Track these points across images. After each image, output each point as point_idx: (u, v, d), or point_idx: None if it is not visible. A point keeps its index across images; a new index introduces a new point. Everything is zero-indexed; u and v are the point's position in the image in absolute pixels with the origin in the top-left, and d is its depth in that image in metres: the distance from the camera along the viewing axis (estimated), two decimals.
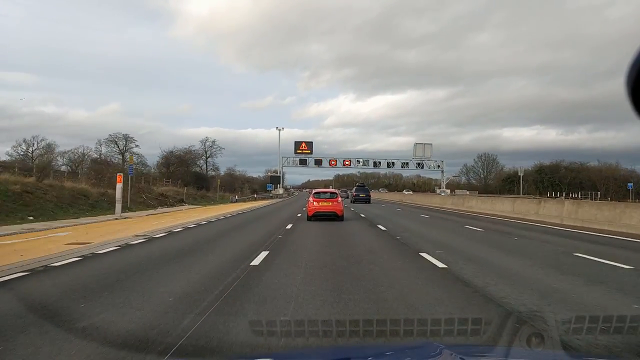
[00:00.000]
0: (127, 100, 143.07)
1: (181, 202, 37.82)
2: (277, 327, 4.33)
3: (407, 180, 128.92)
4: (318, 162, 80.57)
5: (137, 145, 65.90)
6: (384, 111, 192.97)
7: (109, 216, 21.97)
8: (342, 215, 20.09)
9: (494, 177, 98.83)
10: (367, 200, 43.95)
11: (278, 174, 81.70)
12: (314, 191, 23.18)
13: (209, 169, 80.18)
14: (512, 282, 6.71)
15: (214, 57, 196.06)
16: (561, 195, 63.79)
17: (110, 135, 64.73)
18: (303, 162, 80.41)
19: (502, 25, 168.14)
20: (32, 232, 14.30)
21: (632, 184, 59.16)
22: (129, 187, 27.43)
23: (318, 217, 19.81)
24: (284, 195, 77.97)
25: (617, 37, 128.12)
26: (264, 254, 9.27)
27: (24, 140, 58.36)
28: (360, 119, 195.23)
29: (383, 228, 16.25)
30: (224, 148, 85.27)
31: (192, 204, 38.99)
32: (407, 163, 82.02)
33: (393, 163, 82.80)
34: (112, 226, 16.77)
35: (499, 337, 3.71)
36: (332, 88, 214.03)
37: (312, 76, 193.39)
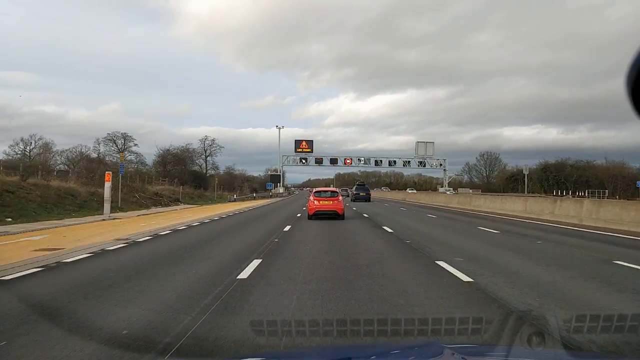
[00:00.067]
0: (127, 99, 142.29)
1: (177, 201, 36.50)
2: (278, 326, 4.26)
3: (408, 179, 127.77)
4: (318, 161, 79.40)
5: (135, 144, 64.93)
6: (384, 110, 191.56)
7: (97, 217, 20.68)
8: (343, 214, 19.87)
9: (496, 176, 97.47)
10: (367, 199, 44.01)
11: (278, 173, 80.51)
12: (314, 190, 22.84)
13: (208, 168, 79.01)
14: (561, 302, 5.40)
15: (214, 57, 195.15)
16: (567, 193, 62.45)
17: (108, 134, 63.75)
18: (303, 161, 79.25)
19: (502, 25, 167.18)
20: (5, 235, 13.02)
21: None
22: (119, 186, 26.13)
23: (319, 215, 19.55)
24: (284, 195, 76.62)
25: (617, 37, 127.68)
26: (255, 263, 7.96)
27: (22, 139, 57.48)
28: (360, 119, 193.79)
29: (389, 230, 14.93)
30: (223, 147, 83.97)
31: (189, 204, 37.67)
32: (409, 161, 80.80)
33: (395, 161, 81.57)
34: (95, 228, 15.47)
35: (500, 336, 3.68)
36: (332, 87, 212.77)
37: (312, 76, 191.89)
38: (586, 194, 58.45)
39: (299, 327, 4.28)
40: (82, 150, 58.19)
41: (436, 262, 8.30)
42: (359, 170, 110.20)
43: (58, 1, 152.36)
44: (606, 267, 8.03)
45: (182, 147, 69.53)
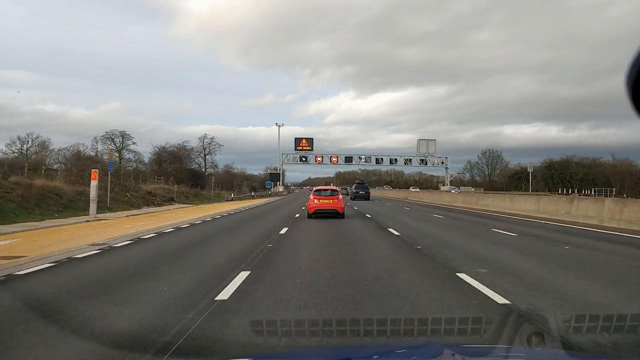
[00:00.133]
0: (127, 98, 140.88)
1: (171, 201, 35.12)
2: (278, 326, 4.23)
3: (409, 177, 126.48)
4: (319, 159, 78.12)
5: (134, 143, 63.47)
6: (385, 109, 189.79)
7: (82, 217, 19.35)
8: (343, 213, 19.81)
9: (498, 174, 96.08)
10: (366, 197, 44.32)
11: (278, 171, 79.23)
12: (314, 189, 22.72)
13: (207, 167, 77.65)
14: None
15: (214, 56, 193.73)
16: (573, 191, 60.98)
17: (106, 132, 62.32)
18: (303, 159, 77.99)
19: (502, 23, 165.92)
20: None
21: None
22: (108, 185, 24.81)
23: (319, 214, 19.42)
24: (283, 193, 75.29)
25: (617, 36, 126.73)
26: (241, 277, 6.65)
27: (18, 138, 56.15)
28: (361, 117, 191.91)
29: (395, 232, 13.60)
30: (222, 145, 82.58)
31: (184, 203, 36.31)
32: (410, 159, 79.49)
33: (396, 159, 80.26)
34: (74, 231, 14.16)
35: (500, 337, 3.68)
36: (332, 86, 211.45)
37: (312, 74, 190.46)
38: (593, 192, 57.06)
39: (298, 328, 4.23)
40: (80, 148, 56.97)
41: (457, 274, 6.99)
42: (360, 169, 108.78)
43: (58, 1, 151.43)
44: None
45: (179, 144, 68.24)
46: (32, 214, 18.41)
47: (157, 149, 65.10)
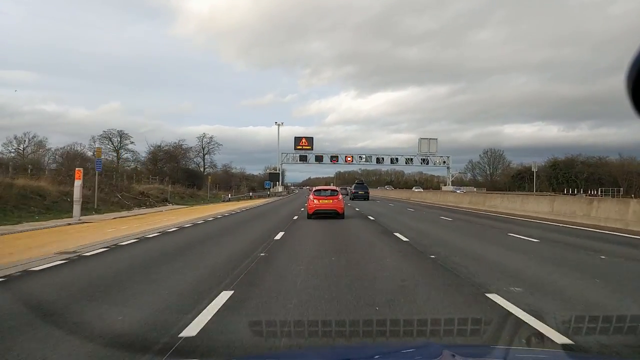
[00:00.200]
0: (127, 98, 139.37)
1: (165, 201, 33.76)
2: (277, 327, 4.18)
3: (409, 177, 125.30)
4: (319, 159, 76.88)
5: (132, 142, 62.29)
6: (385, 108, 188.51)
7: (64, 220, 18.02)
8: (343, 213, 19.63)
9: (500, 174, 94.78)
10: (365, 197, 45.17)
11: (277, 171, 77.92)
12: (314, 189, 22.50)
13: (206, 166, 76.28)
14: None
15: (214, 55, 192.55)
16: (578, 191, 59.65)
17: (104, 131, 61.12)
18: (303, 159, 76.81)
19: (503, 22, 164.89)
20: None
21: None
22: (96, 185, 23.47)
23: (319, 214, 19.21)
24: (283, 193, 73.94)
25: (618, 34, 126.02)
26: (221, 299, 5.33)
27: (15, 137, 55.20)
28: (361, 116, 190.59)
29: (403, 238, 12.26)
30: (221, 144, 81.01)
31: (178, 204, 34.93)
32: (412, 159, 78.24)
33: (397, 159, 79.00)
34: (48, 236, 12.84)
35: (499, 337, 3.65)
36: (333, 85, 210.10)
37: (313, 73, 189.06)
38: (599, 192, 55.70)
39: (297, 328, 4.17)
40: (78, 148, 55.67)
41: (487, 295, 5.66)
42: (360, 169, 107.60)
43: (58, 1, 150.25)
44: None
45: (175, 143, 66.73)
46: (9, 216, 17.10)
47: (152, 148, 63.83)
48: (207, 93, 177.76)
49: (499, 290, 5.84)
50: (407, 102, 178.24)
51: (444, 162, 78.27)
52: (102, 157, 59.36)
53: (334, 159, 76.74)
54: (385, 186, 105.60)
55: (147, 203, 29.97)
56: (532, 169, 63.77)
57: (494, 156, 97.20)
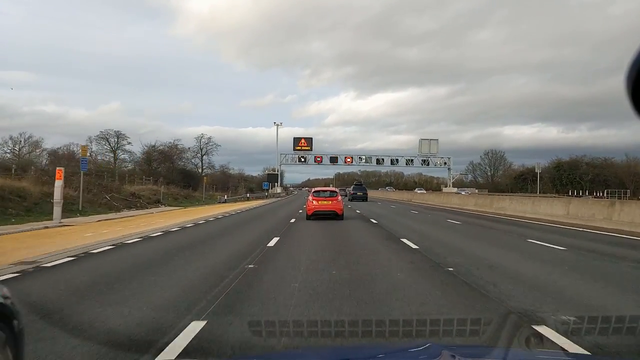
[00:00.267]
0: (127, 99, 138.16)
1: (157, 203, 32.41)
2: (276, 327, 4.16)
3: (409, 178, 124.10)
4: (318, 160, 75.52)
5: (129, 143, 61.19)
6: (385, 109, 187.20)
7: (42, 223, 16.72)
8: (342, 214, 19.43)
9: (501, 175, 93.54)
10: (364, 199, 46.68)
11: (276, 172, 76.59)
12: (313, 190, 22.44)
13: (204, 167, 74.93)
14: None
15: (214, 56, 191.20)
16: (583, 193, 58.39)
17: (101, 132, 60.00)
18: (302, 160, 75.37)
19: (503, 22, 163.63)
20: None
21: None
22: (81, 185, 22.13)
23: (318, 215, 19.05)
24: (281, 195, 72.58)
25: (618, 34, 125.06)
26: (185, 338, 4.00)
27: (10, 138, 54.30)
28: (360, 117, 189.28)
29: (412, 245, 10.93)
30: (220, 145, 79.54)
31: (171, 205, 33.58)
32: (412, 160, 76.90)
33: (397, 160, 77.61)
34: (15, 242, 11.52)
35: (498, 338, 3.52)
36: (332, 86, 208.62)
37: (312, 74, 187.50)
38: (605, 194, 54.44)
39: (296, 328, 4.10)
40: (74, 149, 54.48)
41: (535, 328, 4.34)
42: (359, 170, 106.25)
43: (58, 1, 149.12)
44: None
45: (170, 143, 65.32)
46: None
47: (146, 148, 62.48)
48: (207, 93, 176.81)
49: (549, 322, 4.53)
50: (407, 103, 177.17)
51: (445, 163, 76.93)
52: (99, 158, 58.33)
53: (334, 160, 75.40)
54: (386, 187, 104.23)
55: (138, 204, 28.60)
56: (536, 170, 62.51)
57: (494, 157, 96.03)
